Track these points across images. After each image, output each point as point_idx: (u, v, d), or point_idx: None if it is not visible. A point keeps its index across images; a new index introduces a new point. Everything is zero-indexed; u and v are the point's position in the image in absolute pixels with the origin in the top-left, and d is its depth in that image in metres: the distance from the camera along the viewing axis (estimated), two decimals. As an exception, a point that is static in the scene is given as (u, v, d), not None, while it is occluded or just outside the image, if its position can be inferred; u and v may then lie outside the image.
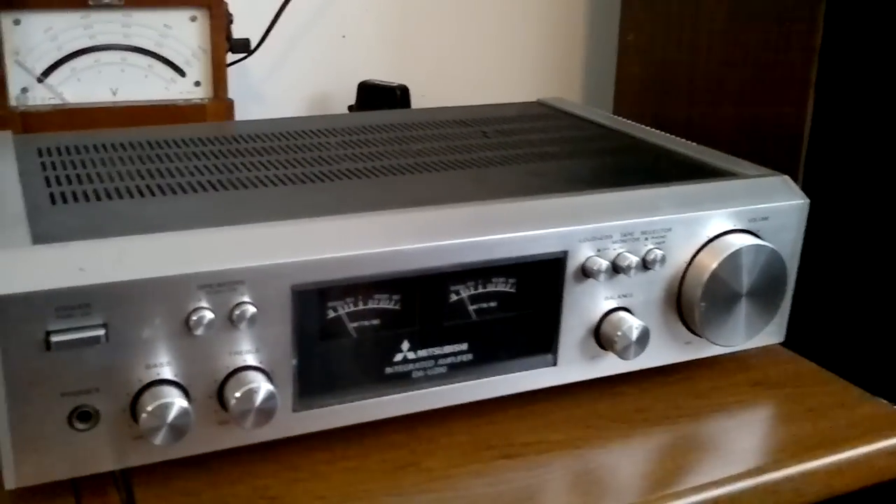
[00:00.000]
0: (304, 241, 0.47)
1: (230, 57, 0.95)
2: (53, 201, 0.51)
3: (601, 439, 0.54)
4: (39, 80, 0.86)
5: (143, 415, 0.43)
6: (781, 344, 0.63)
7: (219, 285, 0.44)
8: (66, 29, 0.85)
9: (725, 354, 0.61)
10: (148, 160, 0.59)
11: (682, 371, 0.61)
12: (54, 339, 0.42)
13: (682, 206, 0.55)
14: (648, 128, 0.73)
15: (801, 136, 0.84)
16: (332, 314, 0.48)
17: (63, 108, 0.86)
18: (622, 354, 0.54)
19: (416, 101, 1.02)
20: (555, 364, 0.55)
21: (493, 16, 1.15)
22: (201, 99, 0.91)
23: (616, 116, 0.77)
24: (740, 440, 0.55)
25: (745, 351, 0.62)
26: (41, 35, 0.84)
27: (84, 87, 0.87)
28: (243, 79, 1.03)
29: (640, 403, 0.58)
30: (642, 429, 0.56)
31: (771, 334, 0.61)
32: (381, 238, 0.48)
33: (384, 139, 0.67)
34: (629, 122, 0.75)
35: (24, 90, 0.86)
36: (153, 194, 0.53)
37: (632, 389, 0.59)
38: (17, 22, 0.84)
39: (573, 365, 0.55)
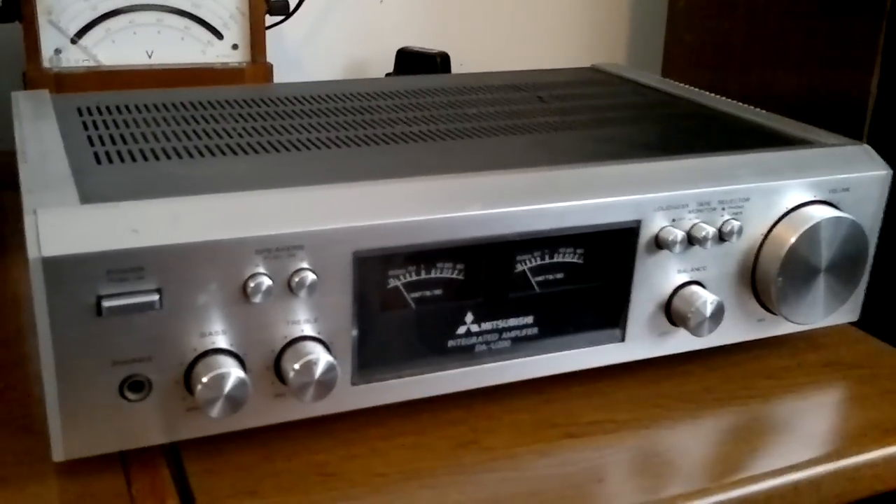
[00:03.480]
0: (367, 204, 0.44)
1: (267, 20, 0.92)
2: (98, 161, 0.48)
3: (669, 419, 0.52)
4: (73, 42, 0.83)
5: (199, 386, 0.41)
6: (850, 323, 0.60)
7: (277, 250, 0.42)
8: (102, -12, 0.82)
9: (795, 333, 0.58)
10: (192, 121, 0.57)
11: (749, 349, 0.58)
12: (106, 303, 0.39)
13: (760, 175, 0.52)
14: (712, 94, 0.69)
15: (865, 106, 0.80)
16: (393, 283, 0.45)
17: (97, 70, 0.84)
18: (695, 331, 0.51)
19: (456, 70, 0.99)
20: (622, 340, 0.52)
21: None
22: (239, 63, 0.88)
23: (676, 83, 0.74)
24: (815, 423, 0.52)
25: (814, 330, 0.59)
26: (76, -7, 0.82)
27: (119, 49, 0.85)
28: (279, 44, 1.00)
29: (707, 383, 0.55)
30: (711, 409, 0.53)
31: (846, 312, 0.58)
32: (447, 203, 0.45)
33: (436, 103, 0.64)
34: (691, 88, 0.71)
35: (58, 51, 0.83)
36: (202, 155, 0.50)
37: (697, 368, 0.56)
38: (51, -21, 0.81)
39: (642, 341, 0.52)
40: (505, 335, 0.49)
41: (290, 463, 0.46)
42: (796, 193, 0.53)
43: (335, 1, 1.04)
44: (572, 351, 0.51)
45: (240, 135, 0.54)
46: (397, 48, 1.00)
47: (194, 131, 0.54)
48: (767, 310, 0.55)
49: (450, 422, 0.50)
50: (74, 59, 0.84)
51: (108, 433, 0.42)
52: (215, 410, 0.41)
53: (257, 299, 0.41)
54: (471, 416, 0.51)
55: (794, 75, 0.87)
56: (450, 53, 0.98)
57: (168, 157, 0.49)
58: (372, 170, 0.48)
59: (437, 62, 0.98)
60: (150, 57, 0.86)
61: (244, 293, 0.41)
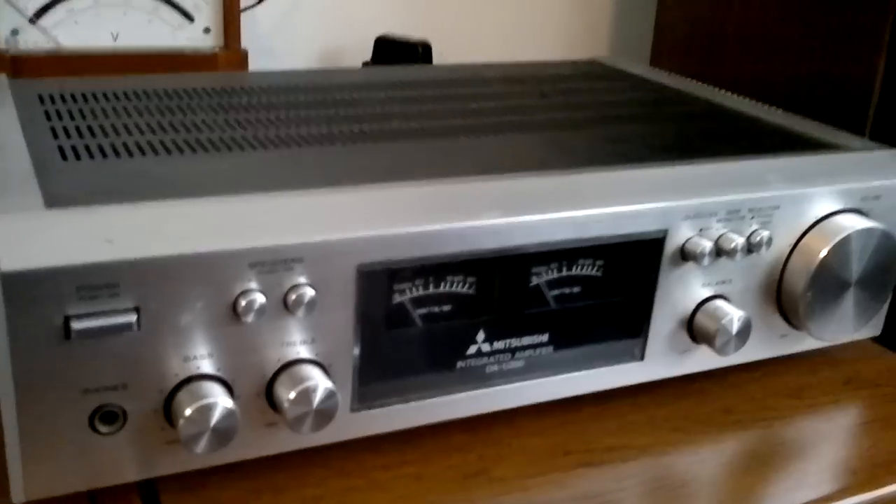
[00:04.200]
0: (373, 212, 0.39)
1: (242, 3, 0.86)
2: (64, 157, 0.43)
3: (691, 444, 0.48)
4: (32, 22, 0.77)
5: (181, 419, 0.36)
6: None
7: (273, 263, 0.37)
8: (64, -36, 0.76)
9: (813, 349, 0.54)
10: (166, 111, 0.51)
11: (765, 366, 0.54)
12: (75, 325, 0.34)
13: (791, 182, 0.48)
14: (723, 91, 0.65)
15: (868, 99, 0.76)
16: (399, 299, 0.40)
17: (58, 53, 0.78)
18: (720, 349, 0.47)
19: (437, 60, 0.94)
20: (642, 359, 0.47)
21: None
22: (211, 48, 0.82)
23: (684, 78, 0.70)
24: (842, 447, 0.49)
25: (831, 344, 0.55)
26: (35, -30, 0.76)
27: (81, 30, 0.79)
28: (252, 29, 0.95)
29: (726, 402, 0.51)
30: (734, 432, 0.49)
31: (869, 327, 0.54)
32: (461, 211, 0.41)
33: (430, 96, 0.59)
34: (700, 83, 0.67)
35: (15, 32, 0.77)
36: (179, 151, 0.45)
37: (714, 386, 0.52)
38: (8, -46, 0.75)
39: (662, 360, 0.48)
40: (518, 355, 0.44)
41: (280, 498, 0.41)
42: (827, 202, 0.49)
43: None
44: (589, 371, 0.46)
45: (219, 128, 0.49)
46: (375, 36, 0.94)
47: (170, 124, 0.49)
48: (791, 325, 0.51)
49: (455, 448, 0.45)
50: (33, 40, 0.78)
51: (76, 470, 0.37)
52: (200, 446, 0.36)
53: (249, 319, 0.36)
54: (477, 442, 0.46)
55: (793, 64, 0.83)
56: (430, 43, 0.93)
57: (142, 152, 0.44)
58: (372, 171, 0.43)
59: (417, 52, 0.93)
60: (115, 40, 0.80)
61: (234, 312, 0.36)
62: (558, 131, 0.53)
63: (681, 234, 0.45)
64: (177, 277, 0.35)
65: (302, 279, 0.37)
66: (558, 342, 0.45)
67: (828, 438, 0.49)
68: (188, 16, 0.81)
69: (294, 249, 0.37)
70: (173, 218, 0.36)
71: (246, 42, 0.89)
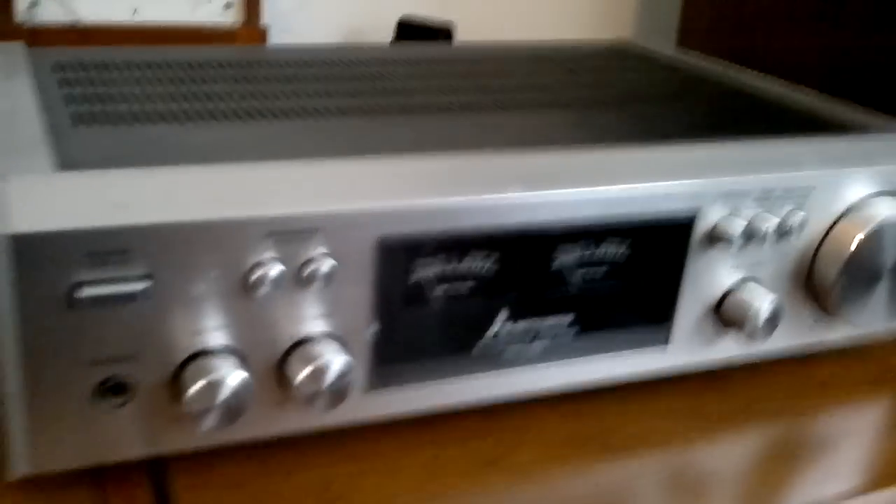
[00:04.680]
0: (395, 183, 0.38)
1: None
2: (78, 122, 0.42)
3: (715, 434, 0.46)
4: (50, -6, 0.76)
5: (190, 392, 0.34)
6: None
7: (290, 233, 0.35)
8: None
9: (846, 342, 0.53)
10: (184, 81, 0.50)
11: (794, 359, 0.52)
12: (84, 292, 0.33)
13: (826, 163, 0.46)
14: (755, 72, 0.63)
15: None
16: (420, 274, 0.39)
17: (76, 26, 0.77)
18: (750, 335, 0.45)
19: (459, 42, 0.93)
20: (667, 344, 0.46)
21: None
22: (232, 23, 0.81)
23: (711, 59, 0.68)
24: (872, 442, 0.47)
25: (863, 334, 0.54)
26: (54, -60, 0.74)
27: (100, 3, 0.77)
28: (273, 7, 0.93)
29: (753, 393, 0.50)
30: (760, 423, 0.47)
31: (902, 317, 0.52)
32: (486, 184, 0.39)
33: (453, 72, 0.57)
34: (728, 64, 0.65)
35: (33, 4, 0.76)
36: (196, 120, 0.44)
37: (741, 378, 0.51)
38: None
39: (688, 346, 0.46)
40: (539, 338, 0.43)
41: (289, 480, 0.40)
42: (862, 184, 0.47)
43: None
44: (612, 356, 0.45)
45: (238, 98, 0.48)
46: (397, 18, 0.93)
47: (188, 93, 0.48)
48: (823, 312, 0.49)
49: (472, 433, 0.44)
50: (51, 13, 0.77)
51: (83, 444, 0.35)
52: (207, 422, 0.35)
53: (265, 289, 0.35)
54: (495, 427, 0.45)
55: (824, 41, 0.81)
56: (454, 24, 0.91)
57: (158, 120, 0.43)
58: (394, 143, 0.42)
59: (440, 34, 0.92)
60: (134, 13, 0.79)
61: (249, 283, 0.35)
62: (585, 109, 0.51)
63: (713, 215, 0.43)
64: (191, 245, 0.34)
65: (320, 250, 0.36)
66: (581, 325, 0.43)
67: (857, 433, 0.48)
68: (208, -9, 0.80)
69: (312, 219, 0.35)
70: (188, 184, 0.35)
71: (267, 20, 0.87)
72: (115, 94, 0.46)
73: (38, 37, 0.75)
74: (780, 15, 0.87)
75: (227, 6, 0.80)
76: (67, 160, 0.36)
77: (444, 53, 0.63)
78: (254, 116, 0.45)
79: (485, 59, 0.62)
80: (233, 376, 0.35)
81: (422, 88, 0.53)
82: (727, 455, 0.45)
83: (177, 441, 0.37)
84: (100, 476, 0.38)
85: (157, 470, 0.39)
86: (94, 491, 0.38)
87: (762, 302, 0.45)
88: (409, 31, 0.93)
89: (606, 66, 0.63)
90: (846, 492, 0.43)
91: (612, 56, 0.66)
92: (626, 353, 0.45)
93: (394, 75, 0.55)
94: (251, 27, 0.81)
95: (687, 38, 0.99)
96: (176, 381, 0.35)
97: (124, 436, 0.36)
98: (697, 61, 0.67)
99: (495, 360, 0.42)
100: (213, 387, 0.35)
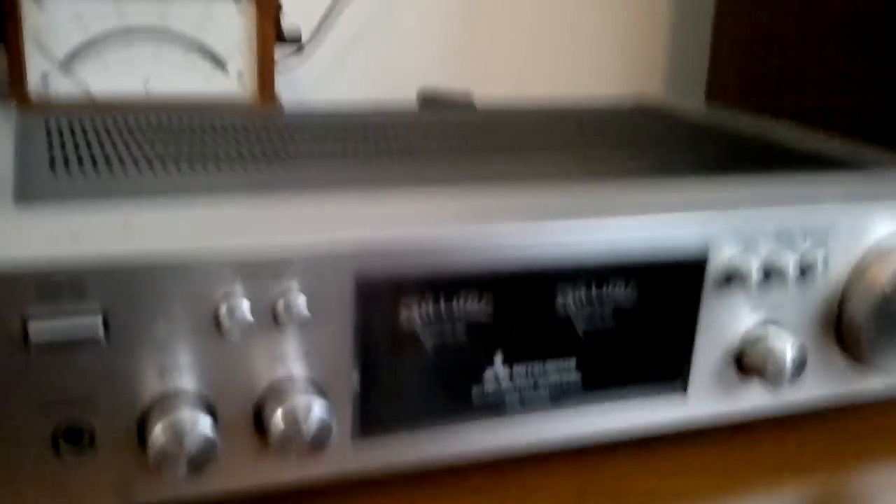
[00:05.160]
0: (374, 216, 0.35)
1: (279, 55, 0.85)
2: (51, 167, 0.40)
3: (740, 491, 0.42)
4: (62, 67, 0.76)
5: (154, 439, 0.31)
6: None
7: (260, 268, 0.33)
8: (95, 8, 0.75)
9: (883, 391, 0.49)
10: (182, 140, 0.48)
11: (826, 411, 0.48)
12: (34, 328, 0.30)
13: (847, 198, 0.43)
14: (784, 126, 0.61)
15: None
16: (406, 316, 0.36)
17: (87, 99, 0.76)
18: (773, 381, 0.42)
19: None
20: (684, 393, 0.42)
21: (563, 14, 1.04)
22: (245, 95, 0.80)
23: (732, 112, 0.65)
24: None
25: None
26: (66, 13, 0.75)
27: (112, 77, 0.77)
28: (291, 85, 0.93)
29: (782, 447, 0.46)
30: (793, 478, 0.43)
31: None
32: (473, 218, 0.37)
33: (462, 126, 0.55)
34: (749, 117, 0.63)
35: (45, 76, 0.76)
36: (178, 164, 0.42)
37: (768, 431, 0.47)
38: (38, -3, 0.74)
39: (708, 396, 0.43)
40: (543, 384, 0.40)
41: (273, 542, 0.37)
42: (887, 219, 0.44)
43: (352, 40, 0.97)
44: (624, 405, 0.41)
45: (224, 147, 0.46)
46: (418, 88, 0.92)
47: (176, 148, 0.46)
48: (854, 359, 0.45)
49: (473, 489, 0.41)
50: (63, 85, 0.76)
51: (45, 497, 0.33)
52: (174, 471, 0.32)
53: (232, 328, 0.33)
54: (500, 484, 0.41)
55: (858, 100, 0.78)
56: (475, 93, 0.90)
57: (134, 165, 0.41)
58: (385, 180, 0.40)
59: (462, 106, 0.91)
60: (146, 86, 0.78)
61: (216, 322, 0.33)
62: (592, 150, 0.49)
63: (725, 252, 0.41)
64: (151, 280, 0.32)
65: (293, 287, 0.33)
66: (587, 372, 0.40)
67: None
68: (221, 63, 0.80)
69: (284, 252, 0.33)
70: (150, 217, 0.33)
71: (287, 95, 0.87)
72: (100, 146, 0.45)
73: (50, 110, 0.74)
74: (810, 75, 0.85)
75: (240, 78, 0.80)
76: (29, 196, 0.34)
77: (457, 117, 0.61)
78: (236, 162, 0.43)
79: (494, 115, 0.60)
80: (201, 422, 0.32)
81: (421, 138, 0.51)
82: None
83: (148, 493, 0.34)
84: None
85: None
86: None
87: (784, 346, 0.42)
88: (430, 104, 0.92)
89: (619, 119, 0.61)
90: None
91: (626, 110, 0.64)
92: (639, 402, 0.42)
93: (395, 127, 0.53)
94: (264, 99, 0.80)
95: (715, 95, 0.97)
96: (141, 427, 0.33)
97: (85, 487, 0.33)
98: (714, 114, 0.64)
99: (494, 408, 0.39)
100: (179, 433, 0.32)
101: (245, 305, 0.33)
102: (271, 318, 0.33)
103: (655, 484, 0.42)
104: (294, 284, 0.33)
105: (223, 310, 0.32)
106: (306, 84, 0.95)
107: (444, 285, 0.36)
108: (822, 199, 0.43)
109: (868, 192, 0.45)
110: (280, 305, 0.33)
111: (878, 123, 0.78)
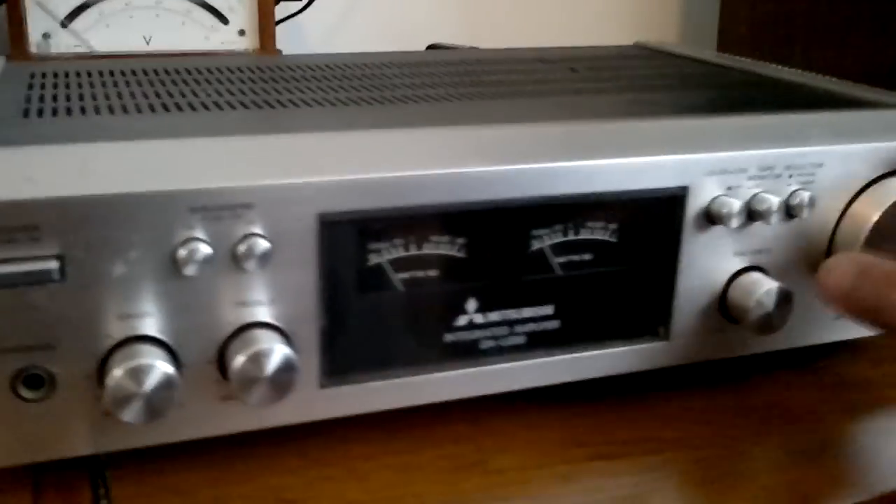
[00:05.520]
0: (338, 155, 0.35)
1: (283, 11, 0.84)
2: (27, 115, 0.40)
3: (728, 439, 0.41)
4: (63, 25, 0.76)
5: (110, 381, 0.31)
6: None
7: (219, 209, 0.32)
8: (94, -36, 0.75)
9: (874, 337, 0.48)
10: (167, 83, 0.48)
11: (815, 358, 0.47)
12: (-12, 271, 0.30)
13: (836, 137, 0.42)
14: (775, 65, 0.59)
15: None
16: (373, 259, 0.36)
17: (89, 57, 0.76)
18: (757, 327, 0.41)
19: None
20: (667, 338, 0.42)
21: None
22: (246, 50, 0.80)
23: (732, 56, 0.64)
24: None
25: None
26: (65, -29, 0.74)
27: (113, 33, 0.77)
28: (297, 39, 0.92)
29: (772, 395, 0.45)
30: (781, 427, 0.43)
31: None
32: (442, 156, 0.36)
33: (450, 72, 0.54)
34: (747, 59, 0.62)
35: (46, 36, 0.76)
36: (153, 110, 0.41)
37: (760, 378, 0.46)
38: (36, -46, 0.74)
39: (691, 340, 0.42)
40: (518, 329, 0.39)
41: (242, 487, 0.36)
42: (879, 160, 0.43)
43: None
44: (604, 351, 0.41)
45: (205, 95, 0.45)
46: (427, 44, 0.91)
47: (166, 93, 0.45)
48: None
49: (451, 438, 0.40)
50: (65, 44, 0.76)
51: (9, 441, 0.33)
52: (130, 413, 0.32)
53: (192, 271, 0.32)
54: (478, 433, 0.41)
55: (868, 52, 0.76)
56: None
57: (108, 112, 0.41)
58: (356, 124, 0.39)
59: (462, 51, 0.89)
60: (147, 43, 0.78)
61: (175, 263, 0.32)
62: (577, 95, 0.48)
63: (705, 193, 0.40)
64: (107, 221, 0.31)
65: (254, 228, 0.33)
66: (565, 316, 0.40)
67: (887, 435, 0.43)
68: (222, 18, 0.79)
69: (244, 193, 0.33)
70: (107, 158, 0.33)
71: (292, 51, 0.86)
72: (79, 94, 0.44)
73: (41, 62, 0.74)
74: (819, 25, 0.83)
75: (241, 33, 0.79)
76: (-9, 141, 0.34)
77: (446, 57, 0.60)
78: (216, 108, 0.42)
79: (486, 61, 0.59)
80: (159, 363, 0.32)
81: (405, 84, 0.50)
82: (740, 458, 0.40)
83: (110, 439, 0.34)
84: (37, 484, 0.36)
85: (97, 477, 0.36)
86: (30, 499, 0.35)
87: (767, 291, 0.41)
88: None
89: (612, 64, 0.59)
90: (878, 496, 0.38)
91: (622, 56, 0.63)
92: (621, 348, 0.41)
93: (379, 75, 0.52)
94: (265, 53, 0.79)
95: (726, 45, 0.96)
96: (102, 373, 0.33)
97: (49, 433, 0.33)
98: (712, 56, 0.63)
99: (470, 353, 0.38)
100: (138, 373, 0.32)
101: (205, 248, 0.32)
102: (233, 261, 0.33)
103: (637, 433, 0.41)
104: (256, 227, 0.33)
105: (182, 253, 0.32)
106: (311, 43, 0.94)
107: (413, 228, 0.36)
108: (810, 138, 0.42)
109: (860, 132, 0.44)
110: (242, 248, 0.33)
111: (891, 71, 0.76)
